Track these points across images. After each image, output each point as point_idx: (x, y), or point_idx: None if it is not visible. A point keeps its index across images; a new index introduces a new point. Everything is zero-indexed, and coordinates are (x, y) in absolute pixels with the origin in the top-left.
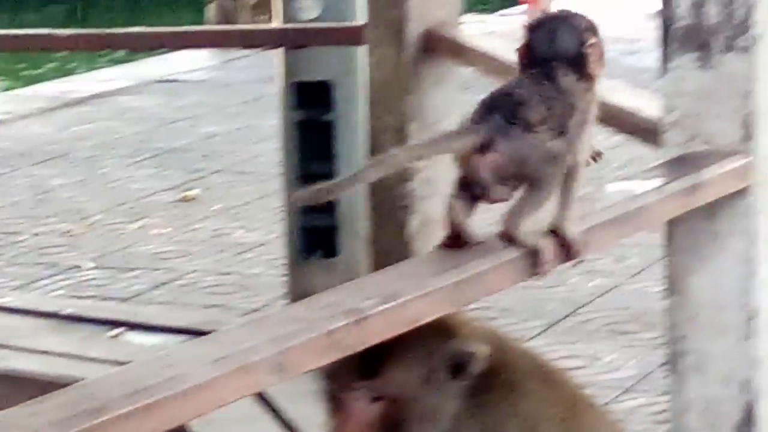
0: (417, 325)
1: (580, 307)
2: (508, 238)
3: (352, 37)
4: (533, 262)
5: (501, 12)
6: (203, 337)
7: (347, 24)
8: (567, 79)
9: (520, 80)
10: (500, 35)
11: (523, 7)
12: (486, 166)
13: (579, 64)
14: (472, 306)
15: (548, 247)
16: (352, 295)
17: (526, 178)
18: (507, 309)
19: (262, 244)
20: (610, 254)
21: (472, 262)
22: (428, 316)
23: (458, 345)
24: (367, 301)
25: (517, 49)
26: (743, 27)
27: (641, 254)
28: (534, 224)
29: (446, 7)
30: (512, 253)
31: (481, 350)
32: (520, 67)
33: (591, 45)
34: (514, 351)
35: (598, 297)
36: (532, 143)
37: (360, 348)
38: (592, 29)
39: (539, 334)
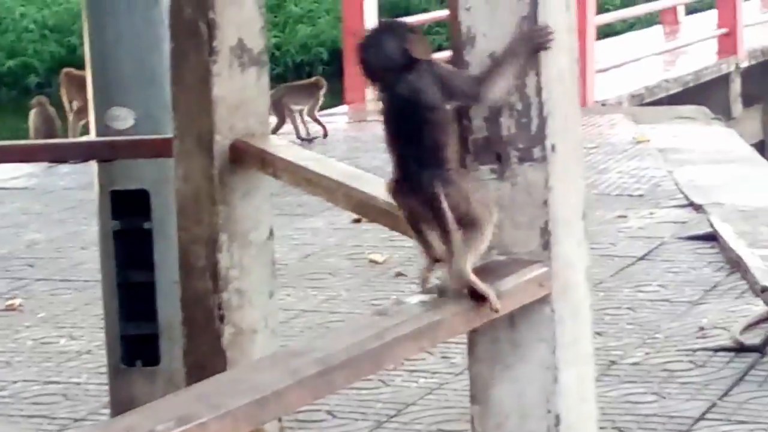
0: None
1: (405, 407)
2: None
3: (160, 149)
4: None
5: (326, 112)
6: None
7: (154, 137)
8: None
9: None
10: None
11: (345, 107)
12: None
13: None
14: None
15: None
16: (147, 418)
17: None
18: (333, 411)
19: (86, 352)
20: (435, 351)
21: (270, 381)
22: None
23: None
24: (162, 425)
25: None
26: (538, 138)
27: (465, 352)
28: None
29: (253, 118)
30: (309, 370)
31: None
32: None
33: (412, 41)
34: None
35: (424, 396)
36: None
37: None
38: (407, 28)
39: None
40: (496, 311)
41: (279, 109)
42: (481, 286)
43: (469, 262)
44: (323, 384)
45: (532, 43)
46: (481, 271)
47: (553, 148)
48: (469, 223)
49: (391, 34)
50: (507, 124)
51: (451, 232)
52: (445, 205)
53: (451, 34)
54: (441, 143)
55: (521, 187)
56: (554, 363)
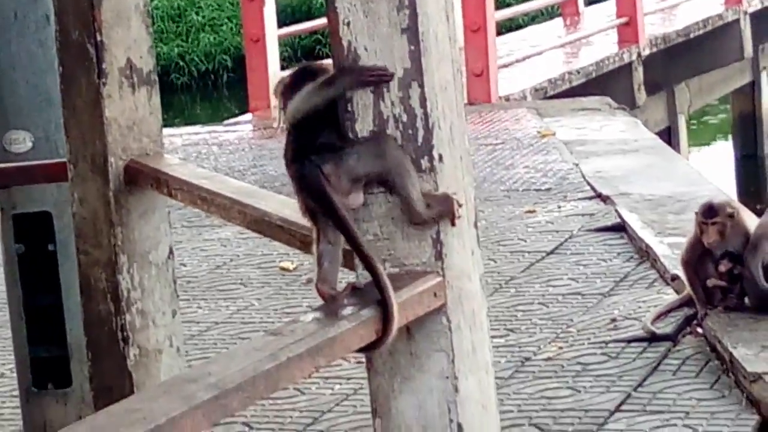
0: None
1: (322, 415)
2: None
3: (57, 173)
4: None
5: (230, 121)
6: None
7: (49, 162)
8: None
9: None
10: (229, 144)
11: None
12: None
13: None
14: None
15: None
16: None
17: None
18: (249, 423)
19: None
20: (350, 357)
21: (164, 408)
22: None
23: None
24: None
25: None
26: (425, 148)
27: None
28: None
29: (147, 138)
30: (203, 396)
31: None
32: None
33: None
34: None
35: (340, 402)
36: None
37: None
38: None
39: None
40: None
41: None
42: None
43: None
44: (218, 408)
45: (356, 78)
46: (373, 286)
47: (440, 158)
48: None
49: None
50: (393, 136)
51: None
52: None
53: (332, 51)
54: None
55: None
56: (453, 372)
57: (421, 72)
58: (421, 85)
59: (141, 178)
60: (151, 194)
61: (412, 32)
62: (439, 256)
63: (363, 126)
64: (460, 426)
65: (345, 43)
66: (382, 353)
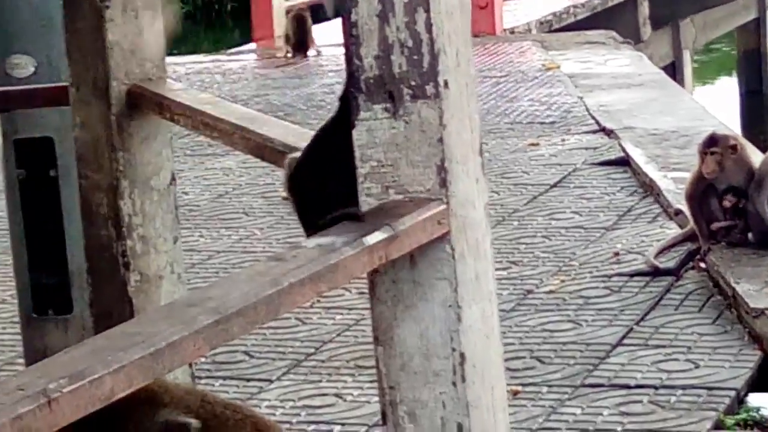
0: (111, 401)
1: (323, 345)
2: None
3: (58, 98)
4: None
5: (234, 50)
6: None
7: (51, 85)
8: None
9: None
10: (232, 74)
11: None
12: None
13: None
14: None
15: None
16: (39, 376)
17: None
18: (250, 352)
19: (0, 302)
20: (351, 288)
21: (164, 332)
22: (121, 392)
23: (170, 416)
24: (54, 383)
25: None
26: (430, 75)
27: None
28: None
29: (150, 63)
30: (204, 320)
31: (193, 424)
32: None
33: None
34: (218, 405)
35: (341, 333)
36: None
37: (51, 431)
38: None
39: (284, 375)
40: None
41: None
42: None
43: None
44: (219, 333)
45: None
46: (378, 211)
47: (445, 84)
48: None
49: None
50: (398, 62)
51: None
52: None
53: None
54: None
55: (415, 125)
56: (456, 301)
57: None
58: (427, 10)
59: (143, 102)
60: (154, 119)
61: None
62: (443, 183)
63: (368, 51)
64: (462, 355)
65: None
66: (384, 281)
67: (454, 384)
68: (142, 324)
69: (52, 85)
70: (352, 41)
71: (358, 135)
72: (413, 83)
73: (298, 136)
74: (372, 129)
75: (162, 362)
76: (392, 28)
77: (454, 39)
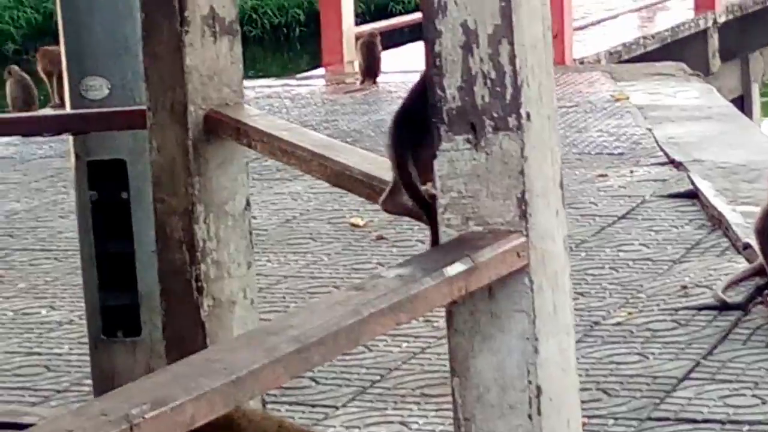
0: (192, 428)
1: (389, 372)
2: None
3: (134, 121)
4: None
5: (303, 75)
6: None
7: (128, 109)
8: None
9: None
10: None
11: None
12: None
13: None
14: None
15: None
16: (122, 401)
17: None
18: (316, 378)
19: (68, 322)
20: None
21: (245, 360)
22: (202, 419)
23: None
24: (137, 408)
25: None
26: (513, 106)
27: None
28: None
29: (227, 88)
30: (285, 348)
31: None
32: None
33: None
34: None
35: (407, 361)
36: None
37: None
38: None
39: (349, 402)
40: None
41: None
42: None
43: None
44: (300, 362)
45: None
46: (458, 242)
47: (528, 116)
48: None
49: None
50: (481, 93)
51: None
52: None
53: (421, 4)
54: None
55: (497, 156)
56: (534, 333)
57: (512, 29)
58: (511, 42)
59: (220, 127)
60: (230, 144)
61: None
62: (523, 215)
63: (451, 82)
64: (539, 388)
65: None
66: (462, 312)
67: (530, 417)
68: (223, 351)
69: (129, 108)
70: (435, 72)
71: (440, 165)
72: (495, 115)
73: (375, 164)
74: (453, 160)
75: (243, 390)
76: (476, 60)
77: (537, 71)
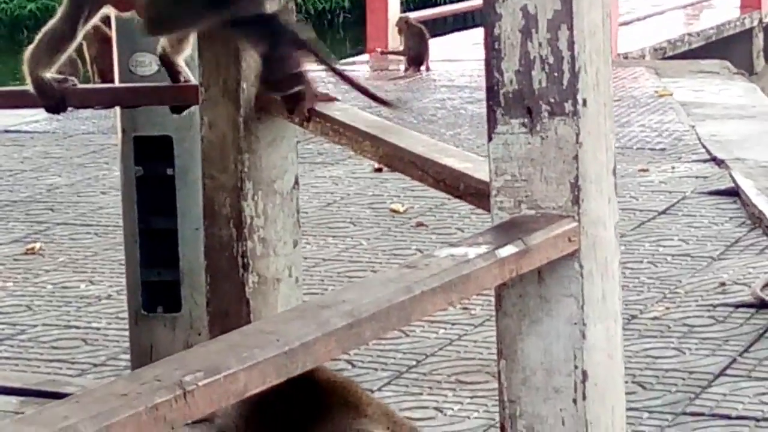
0: (244, 397)
1: (425, 358)
2: None
3: (186, 96)
4: None
5: (347, 60)
6: (21, 417)
7: (180, 84)
8: None
9: None
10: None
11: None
12: None
13: None
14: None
15: None
16: (175, 368)
17: None
18: (352, 361)
19: (106, 297)
20: (455, 303)
21: (298, 332)
22: (254, 388)
23: (367, 427)
24: (191, 375)
25: None
26: (569, 92)
27: (485, 303)
28: None
29: None
30: (338, 323)
31: None
32: None
33: None
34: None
35: (444, 347)
36: None
37: (185, 422)
38: None
39: (385, 386)
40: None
41: None
42: None
43: None
44: (352, 336)
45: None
46: (510, 225)
47: (584, 102)
48: None
49: None
50: (538, 78)
51: None
52: None
53: None
54: None
55: (551, 141)
56: (582, 319)
57: (571, 14)
58: (570, 28)
59: (272, 106)
60: (281, 123)
61: None
62: (576, 201)
63: (509, 65)
64: (584, 373)
65: None
66: (512, 295)
67: (574, 401)
68: (277, 323)
69: (181, 84)
70: (493, 55)
71: (494, 148)
72: (552, 100)
73: (428, 146)
74: (508, 143)
75: (295, 361)
76: (534, 44)
77: (595, 58)
